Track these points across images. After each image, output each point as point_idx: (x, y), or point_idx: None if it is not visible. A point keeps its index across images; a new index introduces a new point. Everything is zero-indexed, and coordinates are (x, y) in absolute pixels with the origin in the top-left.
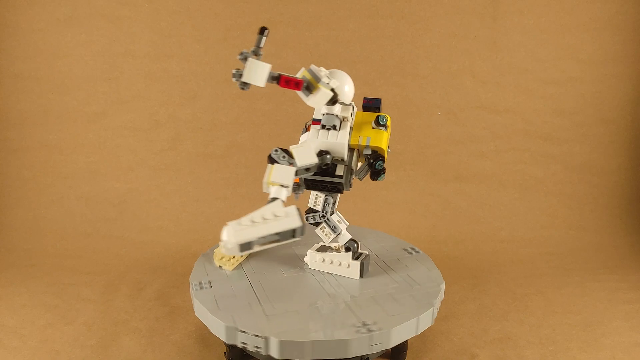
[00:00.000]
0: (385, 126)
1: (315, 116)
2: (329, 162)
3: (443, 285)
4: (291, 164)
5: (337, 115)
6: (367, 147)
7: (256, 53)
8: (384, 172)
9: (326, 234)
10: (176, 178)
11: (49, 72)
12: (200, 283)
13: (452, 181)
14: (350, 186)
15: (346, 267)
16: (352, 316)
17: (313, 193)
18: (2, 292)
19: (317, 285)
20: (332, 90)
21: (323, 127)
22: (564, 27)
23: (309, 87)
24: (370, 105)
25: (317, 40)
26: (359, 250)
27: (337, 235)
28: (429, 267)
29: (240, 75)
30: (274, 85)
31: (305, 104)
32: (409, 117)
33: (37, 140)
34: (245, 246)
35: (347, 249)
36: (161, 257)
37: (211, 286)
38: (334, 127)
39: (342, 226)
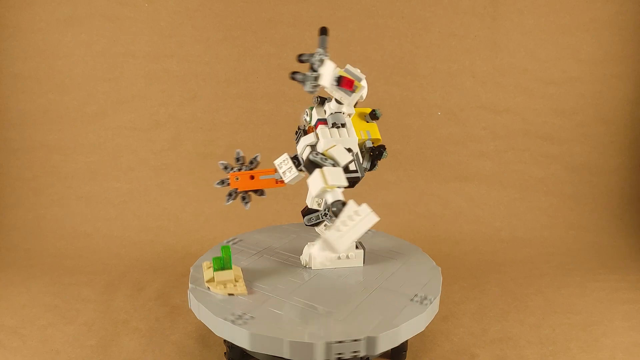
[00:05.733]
0: (377, 118)
1: (319, 116)
2: (353, 159)
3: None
4: (333, 164)
5: (343, 113)
6: (368, 140)
7: (325, 56)
8: (385, 150)
9: (321, 233)
10: (176, 178)
11: (49, 72)
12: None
13: (452, 181)
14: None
15: (346, 258)
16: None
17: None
18: (2, 292)
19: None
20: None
21: (333, 125)
22: (564, 27)
23: None
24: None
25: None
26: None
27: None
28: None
29: (316, 79)
30: (274, 85)
31: (306, 102)
32: (409, 117)
33: (37, 140)
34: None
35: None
36: (161, 257)
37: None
38: (343, 125)
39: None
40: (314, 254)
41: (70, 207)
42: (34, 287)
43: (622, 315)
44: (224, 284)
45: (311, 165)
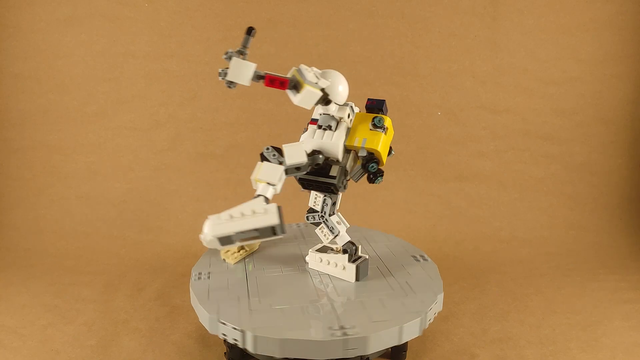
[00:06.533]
0: (382, 128)
1: (314, 116)
2: (320, 162)
3: (441, 296)
4: (281, 162)
5: (332, 116)
6: (362, 148)
7: (241, 52)
8: (382, 175)
9: (325, 235)
10: (176, 178)
11: (49, 72)
12: (199, 274)
13: (452, 181)
14: (345, 188)
15: (342, 269)
16: (334, 319)
17: (313, 193)
18: (2, 292)
19: (312, 286)
20: (323, 90)
21: (320, 127)
22: (564, 27)
23: (297, 86)
24: (373, 106)
25: (317, 40)
26: (359, 254)
27: (336, 236)
28: (432, 275)
29: (226, 74)
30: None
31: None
32: (409, 117)
33: (37, 140)
34: (224, 240)
35: (345, 251)
36: (161, 257)
37: (209, 277)
38: (330, 128)
39: (341, 228)
40: (204, 230)
41: (70, 207)
42: (34, 287)
43: (622, 315)
44: (237, 250)
45: (260, 158)
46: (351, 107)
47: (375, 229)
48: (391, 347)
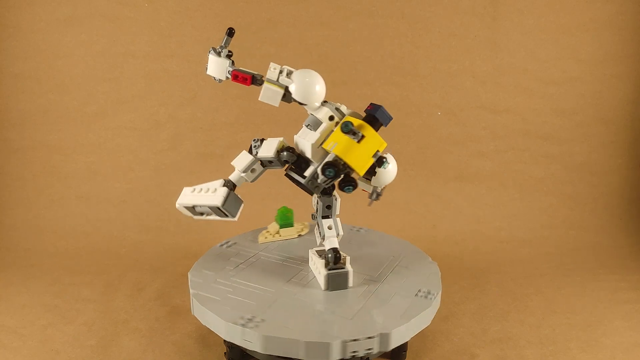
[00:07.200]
0: (352, 133)
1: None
2: (287, 159)
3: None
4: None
5: (313, 115)
6: (330, 153)
7: (215, 50)
8: (352, 186)
9: (316, 236)
10: (176, 178)
11: (49, 72)
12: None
13: (452, 181)
14: (327, 192)
15: (319, 274)
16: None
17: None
18: (2, 292)
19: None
20: (287, 88)
21: (307, 125)
22: (564, 27)
23: (261, 83)
24: (369, 111)
25: (317, 40)
26: (344, 264)
27: (323, 239)
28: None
29: (207, 69)
30: None
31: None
32: (409, 117)
33: (37, 140)
34: (191, 209)
35: (325, 257)
36: (161, 257)
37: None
38: (308, 126)
39: (331, 233)
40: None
41: (70, 207)
42: (34, 287)
43: (622, 315)
44: (272, 234)
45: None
46: (336, 108)
47: (375, 229)
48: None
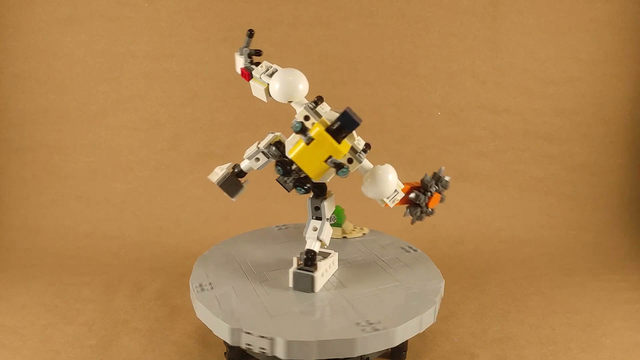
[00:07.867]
0: (304, 135)
1: None
2: (273, 155)
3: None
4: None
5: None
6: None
7: (242, 50)
8: (301, 187)
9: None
10: (176, 178)
11: (49, 72)
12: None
13: (452, 181)
14: (301, 190)
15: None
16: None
17: None
18: (2, 292)
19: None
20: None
21: None
22: (564, 27)
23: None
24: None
25: (317, 40)
26: (313, 270)
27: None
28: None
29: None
30: None
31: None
32: (409, 117)
33: (37, 140)
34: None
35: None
36: (161, 257)
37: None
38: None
39: (311, 235)
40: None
41: (70, 207)
42: (34, 287)
43: (622, 315)
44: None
45: None
46: (312, 109)
47: (375, 229)
48: (391, 348)
